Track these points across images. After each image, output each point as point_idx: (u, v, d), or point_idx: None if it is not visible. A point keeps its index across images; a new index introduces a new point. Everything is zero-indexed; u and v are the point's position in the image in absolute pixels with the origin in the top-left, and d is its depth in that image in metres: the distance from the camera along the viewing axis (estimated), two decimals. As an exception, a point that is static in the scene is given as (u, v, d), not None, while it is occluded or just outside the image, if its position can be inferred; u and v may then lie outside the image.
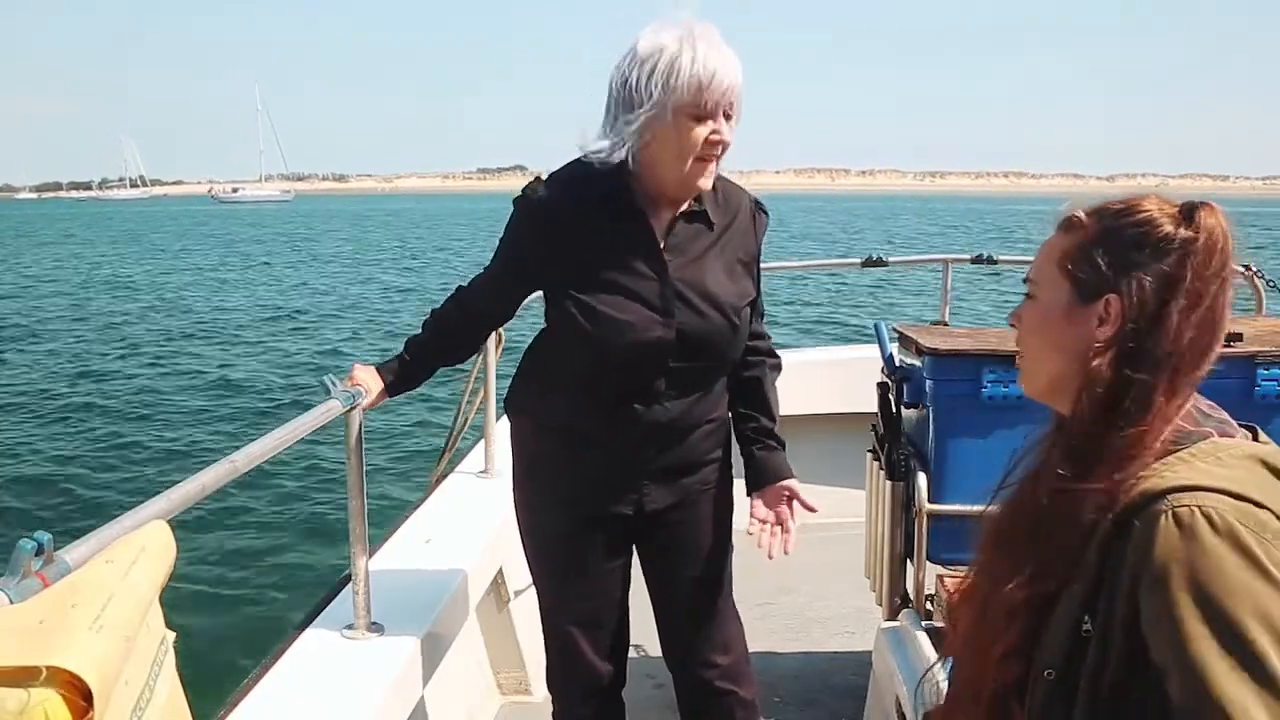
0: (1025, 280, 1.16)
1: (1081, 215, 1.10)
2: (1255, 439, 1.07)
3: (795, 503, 1.85)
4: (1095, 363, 1.04)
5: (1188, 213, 1.05)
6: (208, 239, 45.62)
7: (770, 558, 1.83)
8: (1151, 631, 0.95)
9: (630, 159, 1.64)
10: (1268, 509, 0.94)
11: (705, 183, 1.66)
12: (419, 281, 23.27)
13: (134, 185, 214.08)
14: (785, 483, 1.86)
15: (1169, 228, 1.04)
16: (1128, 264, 1.04)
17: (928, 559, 2.11)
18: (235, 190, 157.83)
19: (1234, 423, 1.08)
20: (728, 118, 1.62)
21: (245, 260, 31.49)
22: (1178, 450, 1.01)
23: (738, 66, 1.60)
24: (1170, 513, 0.94)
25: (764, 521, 1.84)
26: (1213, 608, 0.91)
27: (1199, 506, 0.93)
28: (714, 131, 1.60)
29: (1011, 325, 1.18)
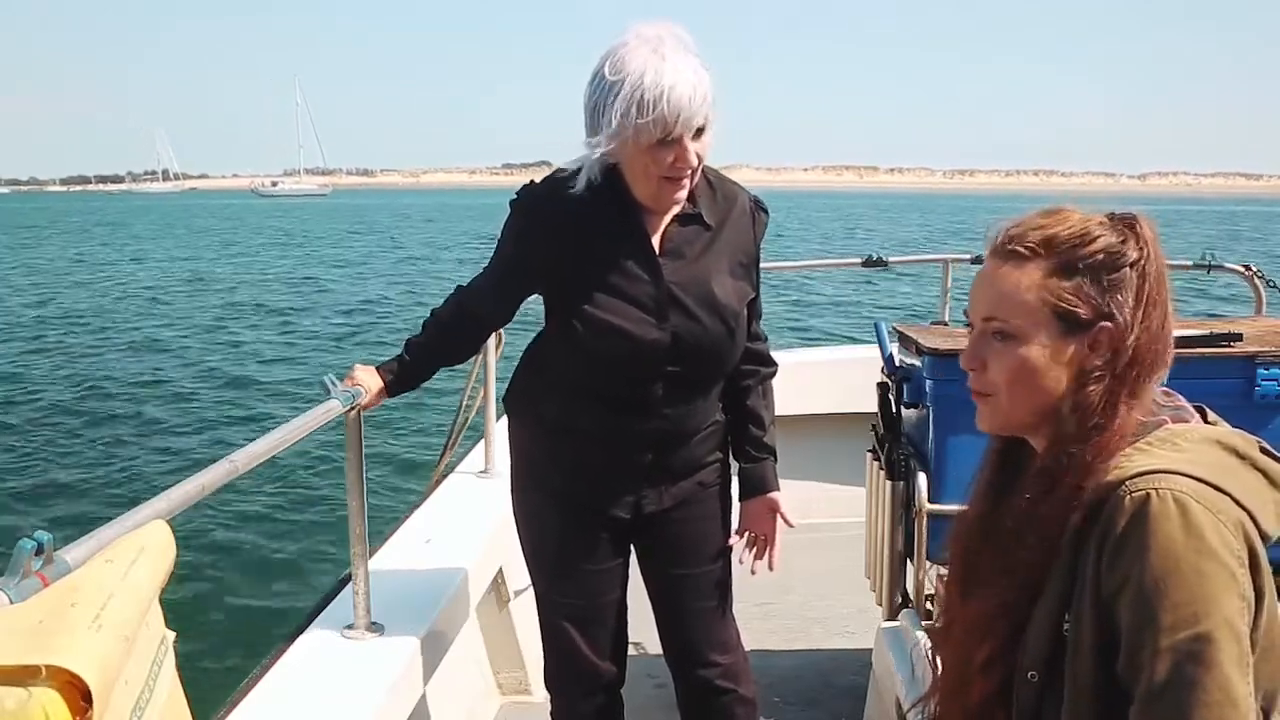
0: (986, 319, 1.12)
1: (1031, 246, 1.09)
2: (1205, 419, 1.12)
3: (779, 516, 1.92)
4: (1090, 389, 1.07)
5: (1128, 225, 1.08)
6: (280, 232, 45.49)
7: (753, 573, 1.92)
8: (1113, 605, 0.98)
9: (598, 175, 1.64)
10: (1220, 489, 0.98)
11: (681, 195, 1.66)
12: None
13: (167, 179, 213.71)
14: (769, 496, 1.90)
15: (1132, 249, 1.07)
16: (1109, 290, 1.07)
17: (928, 559, 2.11)
18: (275, 184, 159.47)
19: (1189, 407, 1.12)
20: (701, 132, 1.59)
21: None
22: (1136, 441, 1.05)
23: (705, 83, 1.55)
24: (1129, 496, 0.98)
25: (745, 533, 1.92)
26: (1167, 583, 0.94)
27: (1156, 488, 0.97)
28: (677, 158, 1.59)
29: (972, 369, 1.15)
